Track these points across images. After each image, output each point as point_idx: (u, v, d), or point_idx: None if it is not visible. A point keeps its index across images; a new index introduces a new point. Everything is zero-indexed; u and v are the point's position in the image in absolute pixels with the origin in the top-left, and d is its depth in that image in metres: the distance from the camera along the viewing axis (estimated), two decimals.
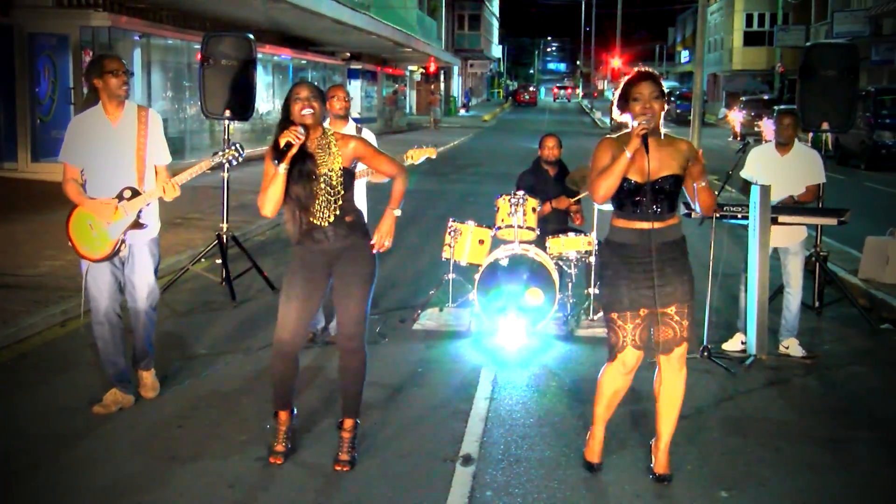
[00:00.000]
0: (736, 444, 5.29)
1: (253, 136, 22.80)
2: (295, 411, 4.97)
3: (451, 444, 5.16)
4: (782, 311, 7.00)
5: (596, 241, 7.49)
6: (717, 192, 7.02)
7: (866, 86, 26.95)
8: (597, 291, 7.46)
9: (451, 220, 7.93)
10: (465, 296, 7.76)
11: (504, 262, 7.29)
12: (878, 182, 20.66)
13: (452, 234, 7.78)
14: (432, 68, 47.55)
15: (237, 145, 5.59)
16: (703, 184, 4.55)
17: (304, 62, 28.60)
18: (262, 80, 23.91)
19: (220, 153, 5.58)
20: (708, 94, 54.13)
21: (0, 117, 16.09)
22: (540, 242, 7.65)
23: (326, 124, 4.81)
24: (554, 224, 8.00)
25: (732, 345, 7.03)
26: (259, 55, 9.32)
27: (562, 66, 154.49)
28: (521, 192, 7.51)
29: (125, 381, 5.61)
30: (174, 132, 19.14)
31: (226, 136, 9.01)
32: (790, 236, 6.90)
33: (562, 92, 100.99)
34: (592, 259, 7.59)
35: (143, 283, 5.58)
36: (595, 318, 7.59)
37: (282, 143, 4.53)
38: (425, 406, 5.81)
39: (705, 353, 6.65)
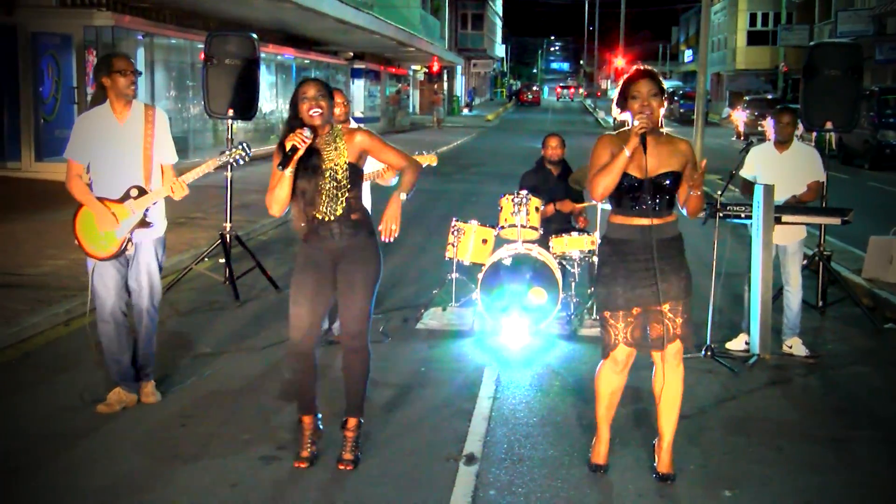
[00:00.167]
0: (739, 443, 5.29)
1: (256, 135, 22.80)
2: (320, 416, 4.94)
3: (454, 444, 5.16)
4: (783, 311, 7.00)
5: (599, 241, 7.48)
6: (720, 192, 7.03)
7: (870, 85, 26.96)
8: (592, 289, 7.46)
9: (454, 219, 7.92)
10: (469, 295, 7.76)
11: (507, 262, 7.29)
12: (882, 182, 20.63)
13: (456, 233, 7.78)
14: (435, 68, 47.56)
15: (244, 145, 5.58)
16: (699, 192, 4.57)
17: (307, 62, 28.60)
18: (266, 80, 23.92)
19: (227, 152, 5.58)
20: (711, 93, 54.08)
21: (4, 117, 16.11)
22: (543, 242, 7.66)
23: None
24: (557, 224, 8.00)
25: (736, 344, 7.03)
26: (262, 55, 9.35)
27: (565, 66, 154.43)
28: (524, 192, 7.51)
29: (129, 379, 5.61)
30: (177, 132, 19.12)
31: (229, 136, 9.02)
32: (788, 235, 6.90)
33: (565, 91, 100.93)
34: (595, 259, 7.58)
35: (148, 282, 5.58)
36: (598, 317, 7.58)
37: (287, 146, 4.52)
38: (428, 405, 5.81)
39: (708, 353, 6.65)
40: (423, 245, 11.26)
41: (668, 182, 4.48)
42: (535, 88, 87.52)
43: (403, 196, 4.60)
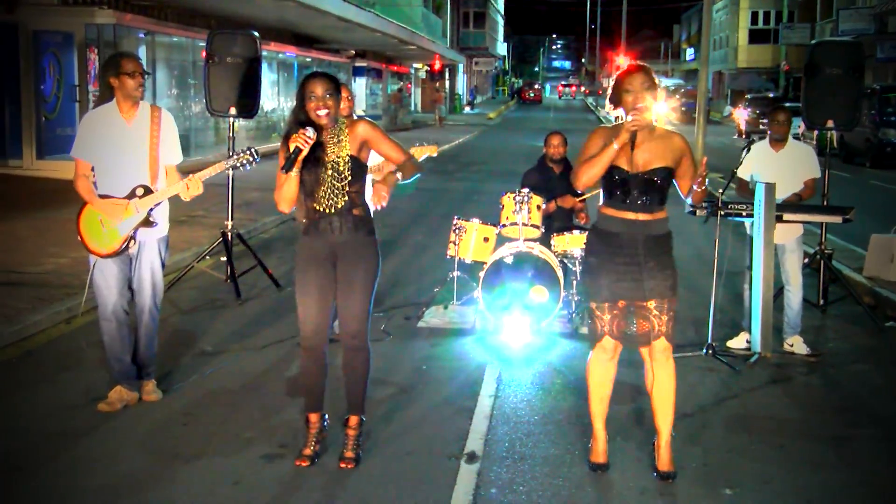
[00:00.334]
0: (740, 441, 5.29)
1: (258, 133, 22.81)
2: (326, 416, 4.95)
3: (455, 442, 5.17)
4: (784, 309, 7.00)
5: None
6: (721, 190, 7.04)
7: (871, 83, 26.95)
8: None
9: (455, 217, 7.93)
10: (470, 293, 7.76)
11: (509, 260, 7.29)
12: (884, 180, 20.62)
13: (457, 231, 7.78)
14: (437, 66, 47.57)
15: (252, 150, 5.55)
16: (701, 189, 4.62)
17: (309, 60, 28.59)
18: (268, 78, 23.94)
19: (236, 156, 5.57)
20: (713, 91, 54.06)
21: (5, 115, 16.11)
22: (545, 240, 7.66)
23: None
24: (559, 222, 8.01)
25: (737, 342, 7.03)
26: (264, 53, 9.35)
27: (567, 64, 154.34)
28: (525, 190, 7.51)
29: (130, 378, 5.61)
30: (179, 130, 18.58)
31: (230, 134, 9.01)
32: (785, 233, 6.89)
33: (567, 90, 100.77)
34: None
35: (150, 281, 5.59)
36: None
37: (290, 147, 4.52)
38: (430, 404, 5.81)
39: (710, 351, 6.65)
40: (424, 243, 11.26)
41: (657, 178, 4.51)
42: (536, 87, 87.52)
43: (399, 175, 4.65)
